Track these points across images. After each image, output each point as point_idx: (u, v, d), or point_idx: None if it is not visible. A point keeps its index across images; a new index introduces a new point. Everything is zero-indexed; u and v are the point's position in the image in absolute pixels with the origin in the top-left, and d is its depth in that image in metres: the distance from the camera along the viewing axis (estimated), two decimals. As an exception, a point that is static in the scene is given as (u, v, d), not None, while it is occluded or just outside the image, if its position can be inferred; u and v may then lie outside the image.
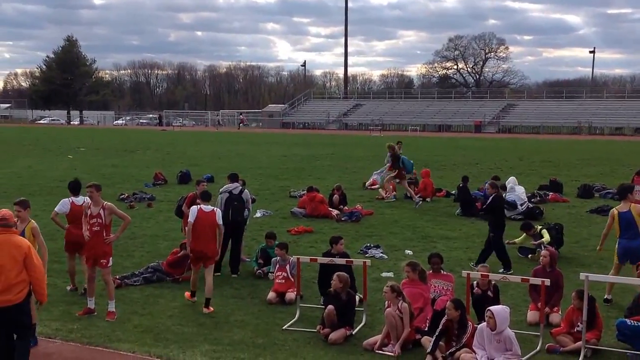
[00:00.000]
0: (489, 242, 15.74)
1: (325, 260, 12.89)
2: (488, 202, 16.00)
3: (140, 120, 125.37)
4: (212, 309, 12.62)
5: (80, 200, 13.23)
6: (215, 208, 13.33)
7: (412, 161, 27.16)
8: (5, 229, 9.16)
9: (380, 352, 10.63)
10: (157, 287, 14.09)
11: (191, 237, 12.88)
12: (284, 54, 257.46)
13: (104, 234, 12.12)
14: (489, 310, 10.14)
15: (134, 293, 13.62)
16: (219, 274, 15.09)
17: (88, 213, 12.15)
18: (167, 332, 11.45)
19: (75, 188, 13.64)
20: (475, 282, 11.77)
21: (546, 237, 17.13)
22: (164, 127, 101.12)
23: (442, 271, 12.74)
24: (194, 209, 13.02)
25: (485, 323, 10.17)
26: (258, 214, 22.05)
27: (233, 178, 15.67)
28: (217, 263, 15.09)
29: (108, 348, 10.65)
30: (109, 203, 12.39)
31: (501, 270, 15.11)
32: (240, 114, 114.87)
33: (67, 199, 13.59)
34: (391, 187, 27.18)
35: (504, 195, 19.15)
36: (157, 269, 14.82)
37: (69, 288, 13.82)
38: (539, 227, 17.74)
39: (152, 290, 13.88)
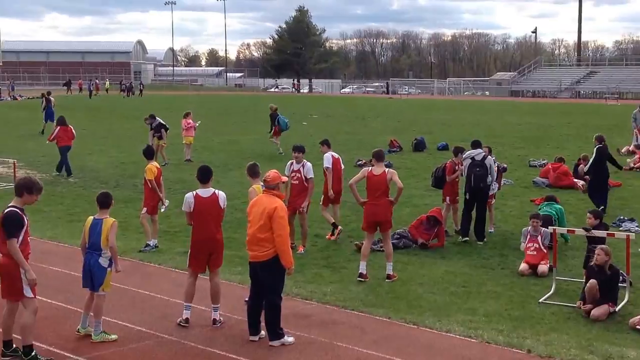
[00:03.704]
0: None
1: (583, 232, 12.22)
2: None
3: (367, 89, 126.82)
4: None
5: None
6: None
7: (287, 120, 30.48)
8: (267, 190, 9.58)
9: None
10: (404, 254, 14.05)
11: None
12: (508, 20, 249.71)
13: None
14: None
15: (382, 259, 13.56)
16: (467, 239, 14.92)
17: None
18: (419, 299, 11.36)
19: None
20: None
21: None
22: (390, 95, 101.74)
23: None
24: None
25: None
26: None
27: (475, 144, 15.44)
28: (464, 229, 15.00)
29: (363, 312, 10.71)
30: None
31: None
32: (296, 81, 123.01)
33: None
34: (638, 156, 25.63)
35: None
36: (404, 235, 14.78)
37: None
38: None
39: (399, 256, 13.81)
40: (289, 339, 9.45)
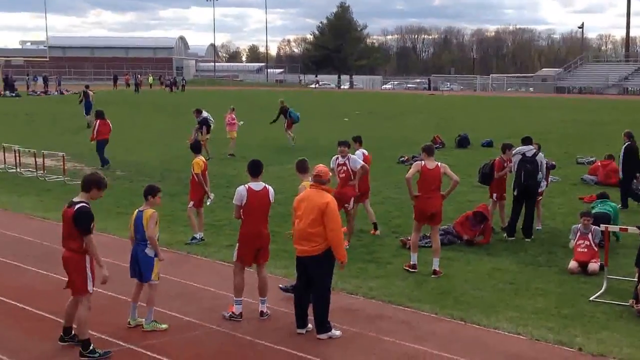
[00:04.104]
0: None
1: (637, 230, 12.00)
2: None
3: (408, 85, 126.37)
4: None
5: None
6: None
7: (298, 113, 32.43)
8: (317, 184, 9.50)
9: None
10: (449, 250, 13.92)
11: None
12: (554, 16, 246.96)
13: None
14: None
15: (427, 255, 13.45)
16: (513, 238, 14.75)
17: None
18: (465, 295, 11.27)
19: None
20: None
21: None
22: (432, 92, 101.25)
23: None
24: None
25: None
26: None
27: (526, 141, 15.26)
28: (510, 227, 14.84)
29: (409, 308, 10.65)
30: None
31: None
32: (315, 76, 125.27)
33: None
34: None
35: None
36: (448, 231, 14.68)
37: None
38: None
39: (444, 252, 13.63)
40: (336, 332, 9.46)
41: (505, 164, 15.33)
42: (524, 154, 14.87)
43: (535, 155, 14.91)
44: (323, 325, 9.40)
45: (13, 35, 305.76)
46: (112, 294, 10.70)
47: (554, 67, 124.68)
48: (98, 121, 24.13)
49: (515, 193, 14.92)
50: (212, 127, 27.01)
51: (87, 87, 42.50)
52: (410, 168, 12.90)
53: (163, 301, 10.28)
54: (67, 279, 8.81)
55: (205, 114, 27.04)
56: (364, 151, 15.28)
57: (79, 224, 8.45)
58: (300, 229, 9.42)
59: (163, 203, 16.86)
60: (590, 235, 12.90)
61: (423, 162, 12.63)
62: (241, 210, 10.03)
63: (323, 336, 9.35)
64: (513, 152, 15.19)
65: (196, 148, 14.59)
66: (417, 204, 12.63)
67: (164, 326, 9.55)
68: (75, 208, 8.50)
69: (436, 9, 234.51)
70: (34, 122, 41.96)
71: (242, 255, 10.11)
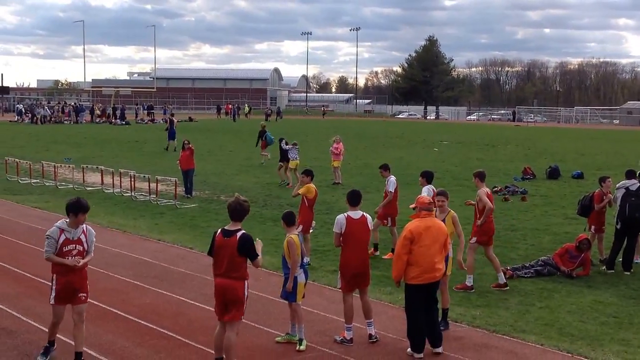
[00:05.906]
0: None
1: None
2: None
3: (492, 116, 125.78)
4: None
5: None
6: None
7: (272, 137, 34.35)
8: (429, 212, 9.91)
9: None
10: (549, 281, 14.04)
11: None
12: (637, 49, 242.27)
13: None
14: None
15: (527, 285, 13.70)
16: (612, 271, 14.81)
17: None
18: (569, 327, 11.34)
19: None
20: None
21: None
22: (517, 123, 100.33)
23: None
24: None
25: None
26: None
27: (630, 174, 15.38)
28: (611, 259, 14.88)
29: (514, 338, 10.79)
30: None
31: None
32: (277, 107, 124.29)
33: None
34: None
35: None
36: (548, 262, 14.80)
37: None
38: None
39: (544, 284, 13.87)
40: None
41: (604, 196, 15.47)
42: (627, 188, 14.97)
43: (639, 189, 14.98)
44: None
45: (121, 67, 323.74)
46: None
47: (637, 99, 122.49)
48: (190, 149, 24.11)
49: (618, 226, 14.98)
50: (290, 156, 27.52)
51: (172, 115, 47.67)
52: (485, 198, 13.33)
53: (277, 323, 10.76)
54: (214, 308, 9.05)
55: (283, 146, 27.76)
56: (432, 187, 15.10)
57: (247, 250, 8.62)
58: (429, 256, 9.68)
59: (267, 228, 17.58)
60: (695, 271, 12.86)
61: (488, 190, 13.52)
62: (341, 238, 10.40)
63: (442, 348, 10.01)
64: (616, 185, 15.30)
65: (310, 174, 15.02)
66: (491, 227, 13.63)
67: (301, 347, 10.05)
68: (238, 236, 8.63)
69: (519, 42, 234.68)
70: (142, 149, 44.03)
71: (345, 282, 10.46)
